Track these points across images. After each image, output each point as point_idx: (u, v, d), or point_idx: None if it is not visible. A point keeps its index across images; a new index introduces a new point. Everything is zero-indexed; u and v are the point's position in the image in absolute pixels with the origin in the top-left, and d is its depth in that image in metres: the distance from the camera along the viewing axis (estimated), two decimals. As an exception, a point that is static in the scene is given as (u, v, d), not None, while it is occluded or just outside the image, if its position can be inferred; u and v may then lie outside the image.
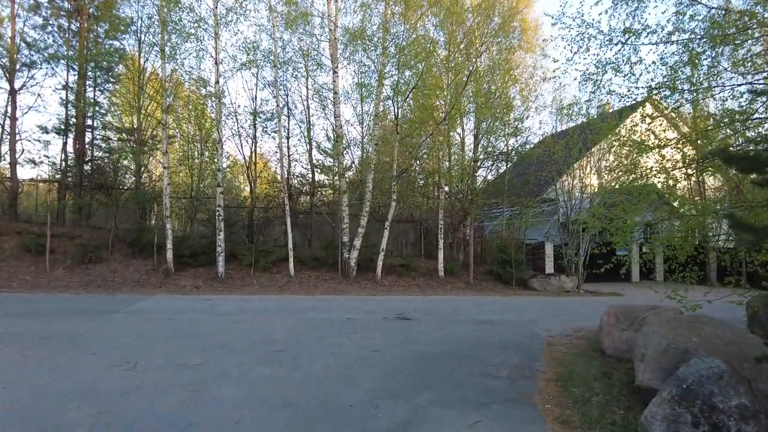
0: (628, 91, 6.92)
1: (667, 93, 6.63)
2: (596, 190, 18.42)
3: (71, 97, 18.35)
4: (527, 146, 19.22)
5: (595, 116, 17.07)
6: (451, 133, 19.37)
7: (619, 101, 7.61)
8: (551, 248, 20.57)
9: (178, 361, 6.27)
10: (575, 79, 25.70)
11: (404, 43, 16.33)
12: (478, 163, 19.21)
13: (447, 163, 19.96)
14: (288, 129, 18.90)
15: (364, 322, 9.41)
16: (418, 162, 21.22)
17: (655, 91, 6.73)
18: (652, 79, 7.00)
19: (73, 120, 18.55)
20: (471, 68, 16.47)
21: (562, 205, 19.53)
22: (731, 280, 6.93)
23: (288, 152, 19.01)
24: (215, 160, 16.81)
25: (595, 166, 18.79)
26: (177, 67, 16.09)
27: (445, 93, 17.36)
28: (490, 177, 20.53)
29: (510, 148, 19.11)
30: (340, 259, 16.77)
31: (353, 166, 20.85)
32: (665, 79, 6.65)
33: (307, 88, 19.53)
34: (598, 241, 19.11)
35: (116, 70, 19.92)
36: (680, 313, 6.52)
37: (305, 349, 7.09)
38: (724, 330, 4.65)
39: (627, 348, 6.57)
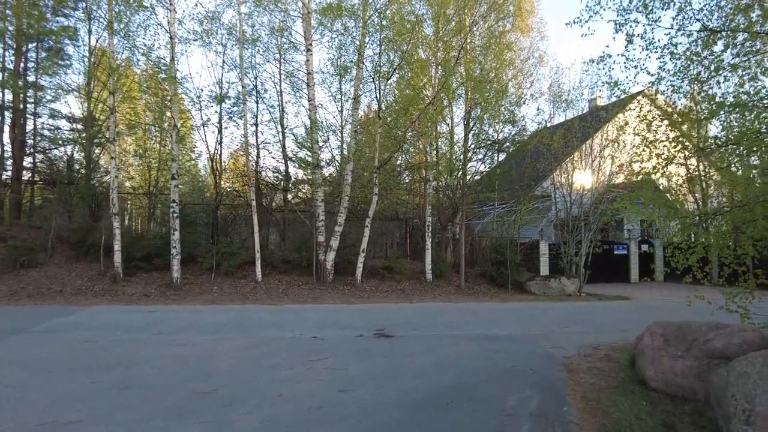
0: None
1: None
2: (595, 184, 16.88)
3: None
4: (523, 135, 17.47)
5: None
6: (439, 124, 17.70)
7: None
8: (546, 247, 18.95)
9: (47, 414, 4.33)
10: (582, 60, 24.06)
11: (385, 22, 14.51)
12: (469, 154, 17.43)
13: (434, 154, 18.24)
14: (257, 115, 16.91)
15: (336, 343, 7.53)
16: (403, 155, 19.50)
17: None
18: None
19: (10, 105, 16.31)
20: (461, 44, 14.66)
21: (559, 201, 17.92)
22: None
23: (257, 141, 17.00)
24: (170, 149, 14.74)
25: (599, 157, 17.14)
26: (126, 43, 14.01)
27: (433, 75, 15.54)
28: (483, 168, 18.75)
29: (503, 136, 17.36)
30: (315, 261, 14.85)
31: (333, 160, 18.92)
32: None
33: (280, 70, 17.56)
34: (600, 239, 17.64)
35: (64, 51, 17.71)
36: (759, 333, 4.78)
37: (247, 388, 5.18)
38: None
39: (687, 384, 4.81)
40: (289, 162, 17.74)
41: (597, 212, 16.38)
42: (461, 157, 17.37)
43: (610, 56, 5.97)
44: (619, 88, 6.50)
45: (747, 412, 3.19)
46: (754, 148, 5.74)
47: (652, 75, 6.14)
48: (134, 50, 14.30)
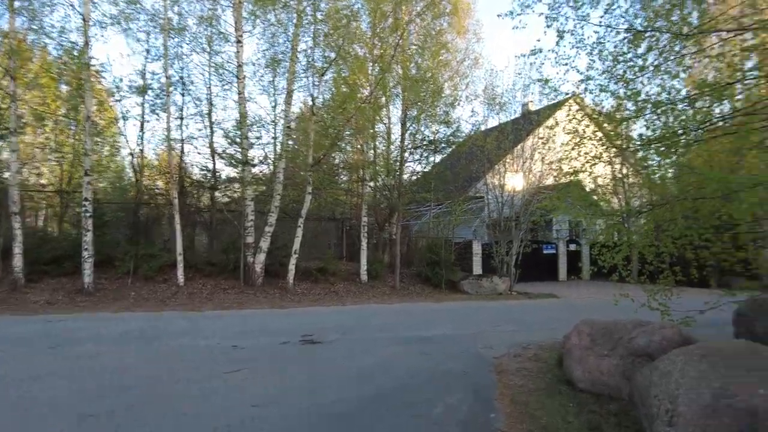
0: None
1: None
2: (526, 185, 17.32)
3: None
4: (458, 136, 17.57)
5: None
6: (377, 123, 17.50)
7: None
8: (479, 247, 19.23)
9: None
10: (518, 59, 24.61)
11: (319, 15, 14.07)
12: (406, 154, 17.31)
13: (372, 153, 17.99)
14: (182, 108, 15.86)
15: (257, 352, 7.00)
16: (341, 154, 19.09)
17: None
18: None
19: None
20: (398, 41, 14.47)
21: (492, 202, 18.23)
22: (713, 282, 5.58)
23: (181, 136, 15.96)
24: (83, 142, 13.48)
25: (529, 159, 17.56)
26: (31, 23, 12.66)
27: (370, 72, 15.25)
28: (419, 169, 18.69)
29: (439, 137, 17.37)
30: (243, 263, 14.10)
31: (266, 158, 18.15)
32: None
33: (209, 61, 16.56)
34: (531, 239, 18.09)
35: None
36: (677, 329, 4.81)
37: (147, 408, 4.59)
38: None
39: (613, 383, 4.76)
40: (217, 158, 16.81)
41: (527, 213, 16.77)
42: (398, 157, 17.24)
43: (540, 50, 5.91)
44: (549, 86, 6.48)
45: (670, 412, 3.08)
46: (672, 149, 5.86)
47: (581, 73, 6.15)
48: (41, 32, 12.96)
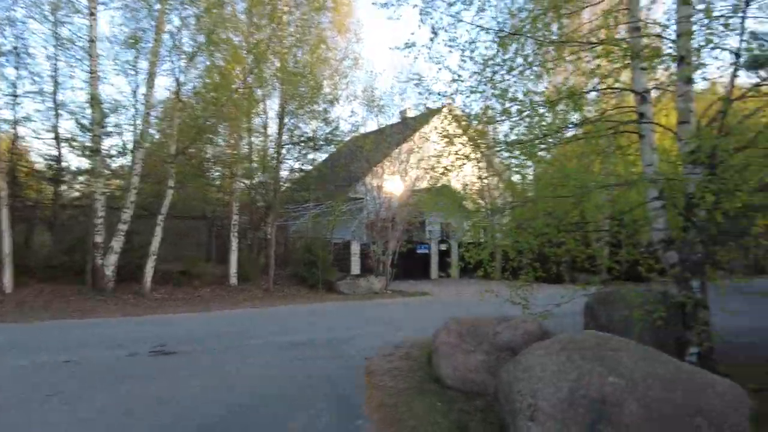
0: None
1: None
2: (403, 187, 17.71)
3: None
4: (336, 135, 17.34)
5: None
6: (254, 118, 16.55)
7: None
8: (358, 247, 19.23)
9: None
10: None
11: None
12: (283, 151, 16.62)
13: (248, 149, 17.01)
14: (15, 84, 13.44)
15: (93, 367, 5.99)
16: (213, 147, 17.70)
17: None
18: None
19: None
20: (274, 29, 13.79)
21: (371, 202, 18.34)
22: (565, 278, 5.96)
23: (14, 117, 13.54)
24: None
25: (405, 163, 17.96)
26: None
27: (248, 63, 14.30)
28: (297, 166, 18.11)
29: (319, 134, 16.97)
30: (91, 266, 12.34)
31: (125, 148, 16.18)
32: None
33: (54, 33, 14.25)
34: (406, 238, 18.50)
35: None
36: (539, 323, 5.00)
37: None
38: (651, 360, 3.00)
39: (480, 379, 4.79)
40: (65, 146, 14.54)
41: (403, 213, 17.12)
42: (275, 153, 16.51)
43: (414, 44, 5.84)
44: (422, 85, 6.46)
45: (531, 407, 3.06)
46: (534, 151, 6.15)
47: (453, 73, 6.20)
48: None
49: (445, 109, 7.15)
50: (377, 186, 18.09)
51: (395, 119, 20.55)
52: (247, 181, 17.38)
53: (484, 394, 4.69)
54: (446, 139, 6.58)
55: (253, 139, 17.63)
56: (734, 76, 4.65)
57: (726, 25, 4.84)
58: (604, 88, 6.01)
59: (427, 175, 17.03)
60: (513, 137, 6.40)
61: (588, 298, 6.45)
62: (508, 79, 5.89)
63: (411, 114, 21.97)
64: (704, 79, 5.39)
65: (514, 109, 5.88)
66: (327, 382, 5.52)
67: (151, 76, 13.33)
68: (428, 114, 15.98)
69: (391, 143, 18.09)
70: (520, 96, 5.98)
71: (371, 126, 20.55)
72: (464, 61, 5.81)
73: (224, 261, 16.49)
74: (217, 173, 19.56)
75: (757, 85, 4.98)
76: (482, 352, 4.86)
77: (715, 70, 5.54)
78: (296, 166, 18.21)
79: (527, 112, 5.87)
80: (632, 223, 6.15)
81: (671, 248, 5.23)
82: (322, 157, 21.91)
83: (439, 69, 6.05)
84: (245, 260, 15.96)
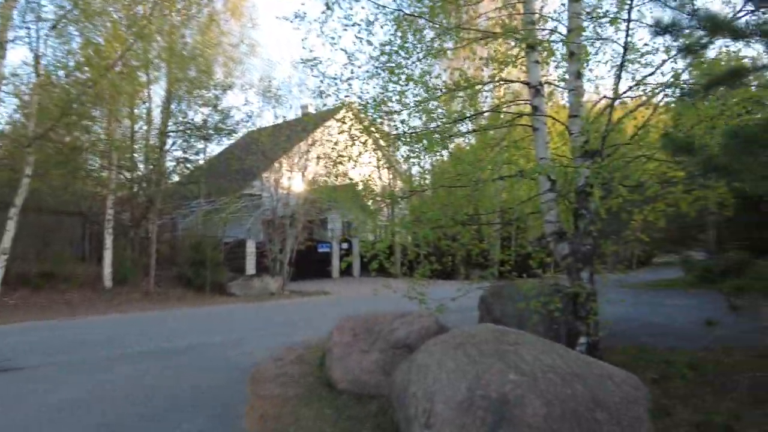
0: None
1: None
2: (303, 184, 17.07)
3: None
4: (228, 123, 16.17)
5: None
6: (138, 106, 14.89)
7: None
8: (253, 246, 18.19)
9: None
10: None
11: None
12: (169, 139, 15.16)
13: (130, 137, 15.25)
14: None
15: None
16: (87, 134, 15.60)
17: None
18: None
19: None
20: (158, 1, 12.43)
21: (269, 199, 17.42)
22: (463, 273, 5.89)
23: None
24: None
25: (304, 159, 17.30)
26: None
27: (123, 36, 12.72)
28: (185, 156, 16.64)
29: (209, 123, 15.70)
30: None
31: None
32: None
33: None
34: (306, 237, 17.82)
35: None
36: (435, 318, 4.75)
37: None
38: (550, 353, 2.80)
39: (374, 381, 4.41)
40: None
41: (302, 210, 16.48)
42: (158, 142, 15.00)
43: (305, 15, 5.33)
44: (315, 65, 5.99)
45: (427, 412, 2.72)
46: (433, 141, 5.95)
47: (349, 55, 5.81)
48: None
49: (343, 101, 6.70)
50: (275, 182, 17.25)
51: (296, 114, 19.82)
52: (128, 174, 15.64)
53: (379, 396, 4.33)
54: (342, 130, 6.17)
55: (136, 126, 15.89)
56: (621, 70, 4.76)
57: (613, 21, 4.97)
58: (500, 80, 5.98)
59: (326, 170, 16.55)
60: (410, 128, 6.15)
61: (483, 292, 6.41)
62: (405, 65, 5.61)
63: (312, 109, 21.37)
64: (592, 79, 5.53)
65: (410, 96, 5.65)
66: (203, 394, 4.84)
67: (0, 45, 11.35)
68: (332, 111, 15.46)
69: (291, 138, 17.33)
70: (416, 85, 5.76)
71: (270, 119, 19.56)
72: (360, 40, 5.43)
73: (101, 261, 14.63)
74: (94, 164, 17.40)
75: (637, 84, 5.18)
76: (377, 350, 4.50)
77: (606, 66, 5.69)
78: (184, 156, 16.69)
79: (424, 102, 5.66)
80: (524, 215, 6.21)
81: (563, 240, 5.28)
82: (215, 150, 20.54)
83: (334, 48, 5.62)
84: (123, 260, 14.28)
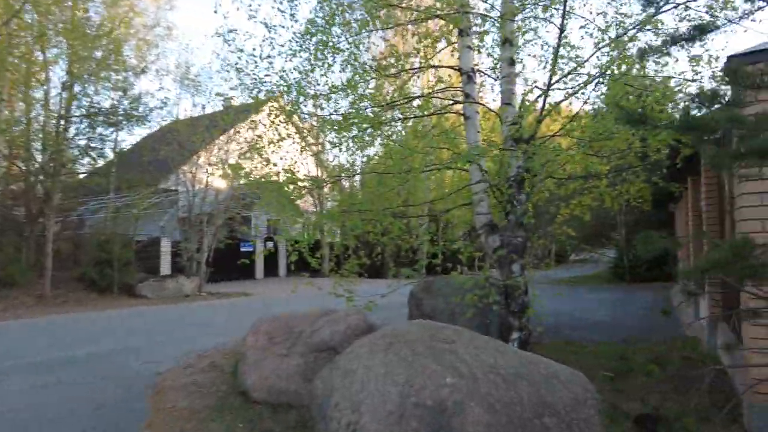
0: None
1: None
2: (224, 180, 16.06)
3: None
4: (139, 109, 14.81)
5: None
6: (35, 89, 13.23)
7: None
8: (169, 244, 16.89)
9: None
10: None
11: None
12: (70, 126, 13.60)
13: (25, 124, 13.52)
14: None
15: None
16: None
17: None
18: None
19: None
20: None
21: (186, 195, 16.21)
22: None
23: None
24: None
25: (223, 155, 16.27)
26: None
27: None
28: (90, 145, 15.06)
29: (119, 108, 14.28)
30: None
31: None
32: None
33: None
34: (227, 235, 16.80)
35: None
36: (363, 316, 4.35)
37: None
38: (490, 350, 2.49)
39: (293, 388, 3.94)
40: None
41: (222, 207, 15.52)
42: (57, 127, 13.40)
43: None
44: (231, 39, 5.40)
45: (352, 425, 2.31)
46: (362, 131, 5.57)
47: (270, 29, 5.28)
48: None
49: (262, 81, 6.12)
50: (193, 177, 16.10)
51: (214, 106, 18.66)
52: (22, 164, 13.89)
53: (299, 406, 3.87)
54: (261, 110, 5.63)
55: (32, 111, 14.11)
56: (556, 56, 4.63)
57: (546, 8, 4.84)
58: (431, 66, 5.71)
59: (246, 159, 15.59)
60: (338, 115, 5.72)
61: (413, 287, 6.14)
62: (332, 42, 5.18)
63: (236, 101, 20.24)
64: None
65: (338, 79, 5.24)
66: (97, 411, 4.13)
67: None
68: (257, 104, 14.58)
69: (211, 129, 16.22)
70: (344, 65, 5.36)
71: (190, 110, 18.28)
72: (281, 12, 4.93)
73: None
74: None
75: (568, 74, 5.10)
76: (297, 354, 4.03)
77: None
78: (89, 146, 15.10)
79: (352, 84, 5.27)
80: (454, 207, 5.99)
81: (494, 232, 5.09)
82: (129, 141, 18.91)
83: (254, 20, 5.08)
84: (14, 260, 12.60)
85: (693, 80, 4.68)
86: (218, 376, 5.26)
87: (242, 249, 20.63)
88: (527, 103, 4.65)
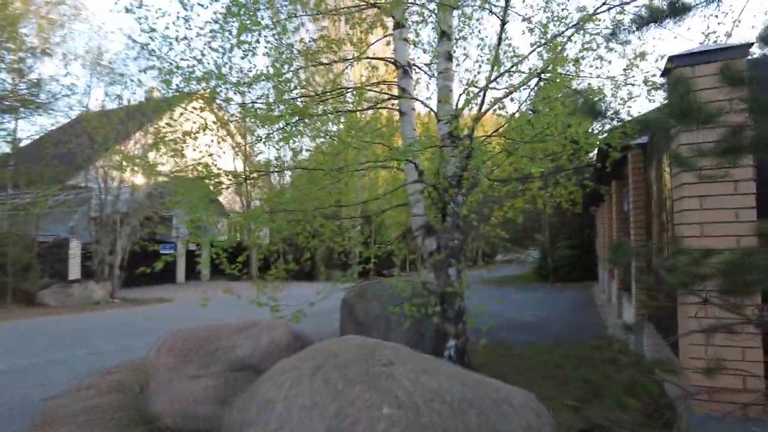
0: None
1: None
2: (144, 176, 14.83)
3: None
4: (38, 94, 13.28)
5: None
6: None
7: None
8: (79, 246, 15.37)
9: None
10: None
11: None
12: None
13: None
14: None
15: None
16: None
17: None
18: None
19: None
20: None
21: (102, 193, 14.80)
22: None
23: None
24: None
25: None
26: None
27: None
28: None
29: (19, 92, 12.71)
30: None
31: None
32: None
33: None
34: (145, 236, 15.54)
35: None
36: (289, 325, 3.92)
37: None
38: (433, 373, 2.18)
39: (210, 413, 3.44)
40: None
41: (139, 206, 14.33)
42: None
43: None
44: (137, 17, 4.77)
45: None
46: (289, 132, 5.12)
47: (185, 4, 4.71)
48: None
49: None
50: (105, 173, 14.74)
51: (130, 97, 17.24)
52: None
53: (214, 433, 3.39)
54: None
55: None
56: (498, 49, 4.46)
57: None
58: (365, 57, 5.38)
59: (160, 157, 14.40)
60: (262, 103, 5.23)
61: (345, 293, 5.77)
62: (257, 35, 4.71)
63: (157, 95, 18.87)
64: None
65: (263, 62, 4.77)
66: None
67: None
68: (179, 97, 13.54)
69: (128, 123, 14.92)
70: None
71: (103, 101, 16.74)
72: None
73: None
74: None
75: (508, 69, 4.97)
76: (212, 374, 3.54)
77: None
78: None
79: (278, 72, 4.82)
80: (389, 208, 5.71)
81: (431, 235, 4.85)
82: (32, 132, 17.01)
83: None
84: None
85: (626, 83, 4.68)
86: (122, 398, 4.63)
87: (163, 252, 19.30)
88: (468, 96, 4.44)
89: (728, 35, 6.60)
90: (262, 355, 3.47)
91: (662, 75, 3.33)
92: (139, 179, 15.15)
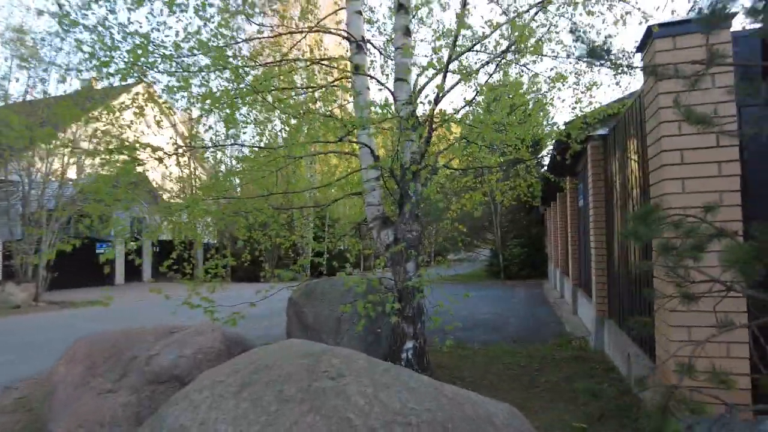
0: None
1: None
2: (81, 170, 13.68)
3: None
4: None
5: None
6: None
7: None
8: (1, 246, 13.99)
9: None
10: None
11: None
12: None
13: None
14: None
15: None
16: None
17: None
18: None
19: None
20: None
21: (25, 189, 13.48)
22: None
23: None
24: None
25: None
26: None
27: None
28: None
29: None
30: None
31: None
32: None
33: None
34: (76, 233, 14.30)
35: None
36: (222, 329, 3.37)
37: None
38: (398, 386, 1.73)
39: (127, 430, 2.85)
40: None
41: (70, 201, 13.15)
42: None
43: None
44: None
45: None
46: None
47: None
48: None
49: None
50: (29, 165, 13.45)
51: (74, 86, 15.93)
52: None
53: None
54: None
55: None
56: (459, 26, 4.07)
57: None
58: (315, 30, 4.89)
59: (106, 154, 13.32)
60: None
61: (292, 292, 5.24)
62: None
63: (97, 85, 17.49)
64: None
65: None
66: None
67: None
68: (121, 88, 12.52)
69: (59, 112, 13.67)
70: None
71: (27, 87, 15.24)
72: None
73: None
74: None
75: (468, 49, 4.62)
76: (128, 388, 2.95)
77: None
78: None
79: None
80: (342, 194, 5.25)
81: (387, 226, 4.42)
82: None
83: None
84: None
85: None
86: (27, 418, 3.94)
87: (99, 251, 17.96)
88: (426, 78, 4.05)
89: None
90: (189, 365, 2.92)
91: (638, 50, 3.06)
92: (72, 173, 13.96)
